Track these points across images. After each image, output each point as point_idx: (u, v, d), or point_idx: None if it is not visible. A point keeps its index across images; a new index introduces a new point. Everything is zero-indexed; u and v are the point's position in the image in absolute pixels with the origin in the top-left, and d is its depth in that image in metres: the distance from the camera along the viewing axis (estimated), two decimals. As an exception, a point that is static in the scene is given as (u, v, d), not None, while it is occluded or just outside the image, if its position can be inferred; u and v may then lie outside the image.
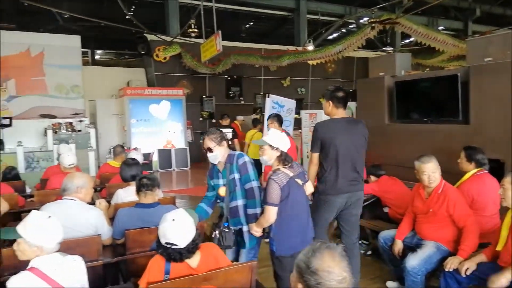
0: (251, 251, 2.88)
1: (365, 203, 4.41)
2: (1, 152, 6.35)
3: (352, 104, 8.49)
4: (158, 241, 2.02)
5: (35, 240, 1.90)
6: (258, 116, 9.98)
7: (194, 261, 2.02)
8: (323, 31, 15.57)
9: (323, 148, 3.16)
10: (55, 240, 1.96)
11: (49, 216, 2.00)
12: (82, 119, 10.94)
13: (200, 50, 9.97)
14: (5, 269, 2.43)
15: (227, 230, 2.79)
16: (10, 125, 8.80)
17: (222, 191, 2.88)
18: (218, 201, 3.01)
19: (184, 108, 11.63)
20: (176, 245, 1.95)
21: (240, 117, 10.84)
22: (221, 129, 3.07)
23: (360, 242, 4.57)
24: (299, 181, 2.74)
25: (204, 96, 13.21)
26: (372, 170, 4.47)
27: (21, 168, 7.54)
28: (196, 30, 10.67)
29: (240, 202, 2.83)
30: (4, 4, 12.43)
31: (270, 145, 2.70)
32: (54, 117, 10.79)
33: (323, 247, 1.31)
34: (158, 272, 1.98)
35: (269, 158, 2.72)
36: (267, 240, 2.88)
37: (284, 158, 2.70)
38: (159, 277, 1.97)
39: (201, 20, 9.15)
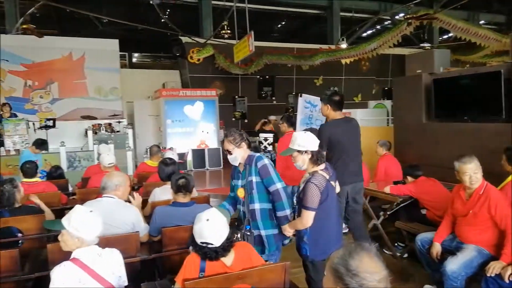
0: (272, 256, 2.84)
1: (402, 205, 4.30)
2: (46, 152, 6.69)
3: (387, 103, 8.29)
4: (193, 240, 2.06)
5: (76, 232, 2.04)
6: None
7: (228, 259, 2.05)
8: (357, 29, 15.28)
9: (330, 146, 3.55)
10: (94, 233, 2.08)
11: (91, 211, 2.13)
12: (121, 120, 11.34)
13: (232, 51, 10.06)
14: (50, 263, 2.58)
15: (249, 233, 2.75)
16: (53, 126, 9.26)
17: (240, 192, 2.86)
18: (238, 204, 2.99)
19: (217, 108, 11.78)
20: (211, 244, 1.99)
21: (272, 117, 10.84)
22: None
23: (396, 244, 4.47)
24: (333, 184, 2.73)
25: (236, 97, 13.33)
26: (409, 170, 4.34)
27: (63, 167, 7.92)
28: (229, 31, 10.79)
29: (257, 206, 2.78)
30: (48, 10, 13.12)
31: (298, 151, 2.66)
32: (94, 118, 11.27)
33: (359, 248, 1.29)
34: (194, 269, 2.03)
35: (302, 162, 2.69)
36: (287, 242, 2.87)
37: (316, 158, 2.67)
38: (195, 274, 2.02)
39: (234, 21, 9.24)
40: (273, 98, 13.88)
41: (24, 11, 10.91)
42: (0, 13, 11.87)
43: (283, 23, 18.17)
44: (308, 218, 2.59)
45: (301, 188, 2.70)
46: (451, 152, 3.65)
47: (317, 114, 7.37)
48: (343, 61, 12.33)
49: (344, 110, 7.31)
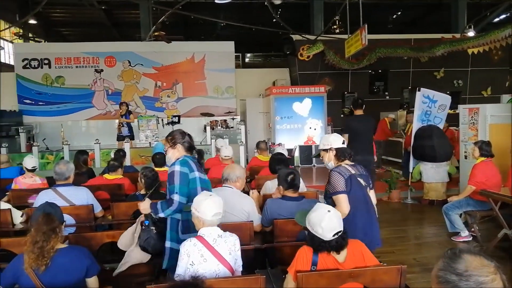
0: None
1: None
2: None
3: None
4: (316, 238, 2.07)
5: (197, 212, 2.30)
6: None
7: (341, 255, 2.06)
8: (488, 14, 13.48)
9: (351, 132, 5.46)
10: (211, 213, 2.27)
11: (211, 195, 2.37)
12: (234, 117, 12.11)
13: (343, 46, 9.85)
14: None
15: (144, 227, 2.74)
16: (178, 122, 10.36)
17: None
18: None
19: (325, 105, 11.66)
20: (341, 231, 2.04)
21: (391, 115, 10.31)
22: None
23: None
24: (362, 182, 2.78)
25: (345, 92, 13.01)
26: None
27: (186, 159, 8.78)
28: (340, 26, 10.58)
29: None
30: (175, 18, 14.65)
31: (324, 149, 2.89)
32: (212, 115, 12.27)
33: (457, 250, 1.25)
34: (306, 262, 2.08)
35: (328, 159, 2.92)
36: None
37: (340, 154, 2.85)
38: (306, 267, 2.07)
39: (347, 15, 9.02)
40: (386, 93, 13.14)
41: (156, 20, 12.36)
42: (137, 23, 13.66)
43: (399, 13, 17.05)
44: (343, 202, 2.65)
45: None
46: None
47: (436, 110, 6.79)
48: (469, 51, 11.04)
49: (470, 106, 6.64)
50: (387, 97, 13.04)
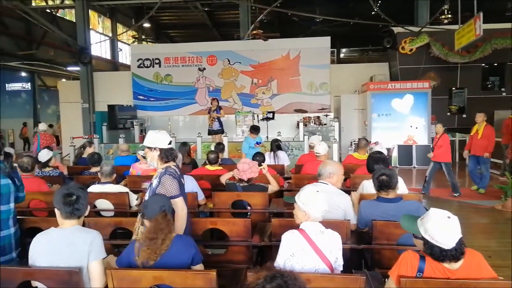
0: None
1: None
2: (263, 141, 7.68)
3: None
4: (435, 248, 1.91)
5: (303, 206, 2.32)
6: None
7: (454, 264, 1.89)
8: None
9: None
10: (317, 209, 2.30)
11: (317, 191, 2.37)
12: (328, 113, 11.91)
13: (451, 37, 9.04)
14: (273, 235, 3.00)
15: None
16: (273, 118, 10.57)
17: None
18: None
19: (429, 101, 10.80)
20: (443, 246, 1.88)
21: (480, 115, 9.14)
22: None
23: None
24: (183, 181, 2.82)
25: (453, 88, 11.87)
26: None
27: (278, 155, 8.95)
28: (449, 16, 9.70)
29: None
30: (272, 16, 14.94)
31: (148, 147, 2.74)
32: (305, 111, 12.25)
33: None
34: (410, 268, 1.96)
35: (151, 159, 2.78)
36: None
37: (163, 155, 2.72)
38: (411, 273, 1.95)
39: (458, 3, 8.24)
40: (502, 89, 11.67)
41: (254, 19, 12.76)
42: (236, 23, 14.28)
43: (522, -3, 14.93)
44: (182, 205, 2.66)
45: (154, 185, 2.69)
46: None
47: None
48: None
49: None
50: (504, 94, 11.56)
